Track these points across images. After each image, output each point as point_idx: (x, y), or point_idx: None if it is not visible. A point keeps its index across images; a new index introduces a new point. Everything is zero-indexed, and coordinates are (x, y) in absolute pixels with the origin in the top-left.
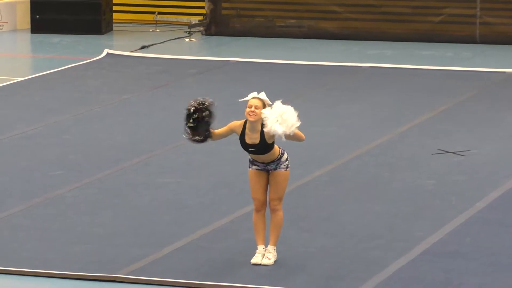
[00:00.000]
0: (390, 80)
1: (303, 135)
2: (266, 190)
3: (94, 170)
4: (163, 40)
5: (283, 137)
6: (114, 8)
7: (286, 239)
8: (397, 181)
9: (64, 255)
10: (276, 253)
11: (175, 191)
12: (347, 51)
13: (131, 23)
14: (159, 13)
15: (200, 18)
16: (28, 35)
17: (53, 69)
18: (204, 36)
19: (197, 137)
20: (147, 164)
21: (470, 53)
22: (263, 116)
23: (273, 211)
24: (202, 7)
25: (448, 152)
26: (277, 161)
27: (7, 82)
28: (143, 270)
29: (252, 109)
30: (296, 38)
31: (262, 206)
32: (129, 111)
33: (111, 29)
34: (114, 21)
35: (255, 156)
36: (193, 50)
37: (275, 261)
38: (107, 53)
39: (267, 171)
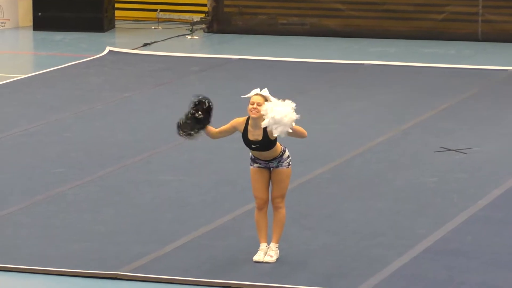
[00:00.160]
0: (392, 77)
1: (304, 131)
2: (268, 188)
3: (95, 167)
4: (165, 38)
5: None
6: (116, 5)
7: (288, 236)
8: (399, 179)
9: (65, 252)
10: (278, 251)
11: (177, 188)
12: (349, 48)
13: (133, 20)
14: (161, 10)
15: (202, 15)
16: (30, 33)
17: (55, 66)
18: (206, 34)
19: (191, 132)
20: (149, 162)
21: (472, 51)
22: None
23: (276, 209)
24: (204, 5)
25: (450, 150)
26: (279, 158)
27: (9, 79)
28: (145, 267)
29: (254, 106)
30: (298, 36)
31: (264, 204)
32: (131, 108)
33: (113, 27)
34: (116, 18)
35: (257, 153)
36: (195, 47)
37: (277, 259)
38: (109, 51)
39: (269, 169)
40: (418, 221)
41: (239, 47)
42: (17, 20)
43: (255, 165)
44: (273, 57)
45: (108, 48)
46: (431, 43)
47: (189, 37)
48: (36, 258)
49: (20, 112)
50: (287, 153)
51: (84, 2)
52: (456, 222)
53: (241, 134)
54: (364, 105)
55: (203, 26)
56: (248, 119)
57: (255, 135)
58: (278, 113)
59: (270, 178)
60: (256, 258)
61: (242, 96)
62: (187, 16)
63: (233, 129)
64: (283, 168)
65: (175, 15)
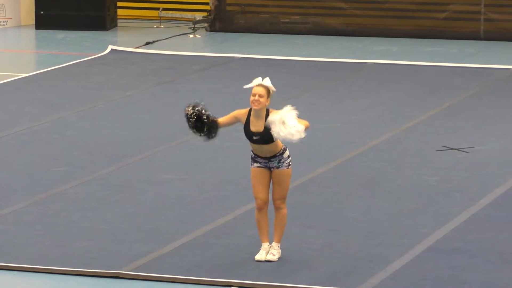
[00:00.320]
0: (394, 76)
1: (307, 122)
2: (268, 189)
3: (98, 166)
4: (168, 36)
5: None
6: (119, 4)
7: (290, 235)
8: (401, 178)
9: (67, 251)
10: (280, 250)
11: (179, 187)
12: (351, 47)
13: (135, 19)
14: (164, 9)
15: (205, 14)
16: (32, 31)
17: (57, 65)
18: (209, 32)
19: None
20: (151, 160)
21: (474, 50)
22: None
23: (277, 209)
24: (207, 3)
25: (452, 148)
26: (279, 156)
27: (11, 78)
28: (147, 266)
29: (256, 97)
30: (300, 35)
31: (264, 204)
32: (133, 107)
33: (116, 25)
34: (118, 17)
35: (258, 148)
36: (197, 46)
37: (279, 258)
38: (112, 49)
39: (269, 169)
40: (420, 219)
41: (241, 46)
42: (19, 19)
43: (256, 164)
44: (276, 56)
45: (110, 47)
46: (433, 42)
47: (191, 35)
48: (38, 257)
49: (22, 110)
50: (287, 152)
51: (87, 0)
52: (459, 220)
53: (243, 127)
54: (366, 104)
55: (205, 24)
56: (250, 111)
57: (257, 126)
58: (289, 134)
59: (270, 178)
60: (258, 257)
61: (244, 87)
62: (189, 15)
63: (235, 120)
64: (284, 169)
65: (177, 14)
